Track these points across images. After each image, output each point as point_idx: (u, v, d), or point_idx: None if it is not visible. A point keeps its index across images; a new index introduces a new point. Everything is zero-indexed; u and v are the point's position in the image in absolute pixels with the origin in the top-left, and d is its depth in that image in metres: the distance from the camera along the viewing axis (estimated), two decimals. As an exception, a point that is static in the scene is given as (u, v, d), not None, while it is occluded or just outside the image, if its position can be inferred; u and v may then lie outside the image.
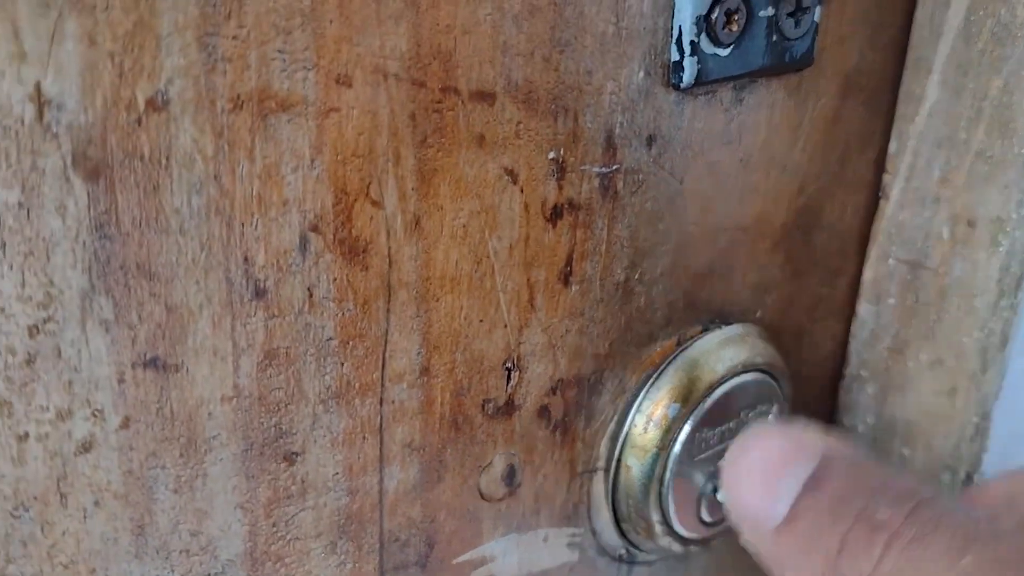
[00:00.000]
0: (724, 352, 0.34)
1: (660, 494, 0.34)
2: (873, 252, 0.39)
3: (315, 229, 0.25)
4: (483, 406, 0.31)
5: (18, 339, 0.22)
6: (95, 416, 0.24)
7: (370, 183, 0.26)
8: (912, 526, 0.23)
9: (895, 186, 0.37)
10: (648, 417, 0.33)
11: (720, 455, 0.35)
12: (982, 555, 0.22)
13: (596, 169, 0.30)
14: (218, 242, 0.24)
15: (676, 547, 0.35)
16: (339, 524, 0.29)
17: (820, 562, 0.24)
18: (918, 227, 0.37)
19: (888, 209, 0.38)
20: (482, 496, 0.32)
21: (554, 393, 0.32)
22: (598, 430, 0.34)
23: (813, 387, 0.40)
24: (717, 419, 0.34)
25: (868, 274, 0.39)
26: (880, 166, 0.38)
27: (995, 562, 0.22)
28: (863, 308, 0.39)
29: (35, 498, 0.23)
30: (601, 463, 0.34)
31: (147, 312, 0.23)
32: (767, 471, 0.25)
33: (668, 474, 0.33)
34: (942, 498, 0.23)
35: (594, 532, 0.35)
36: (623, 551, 0.36)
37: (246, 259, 0.24)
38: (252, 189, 0.24)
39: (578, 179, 0.29)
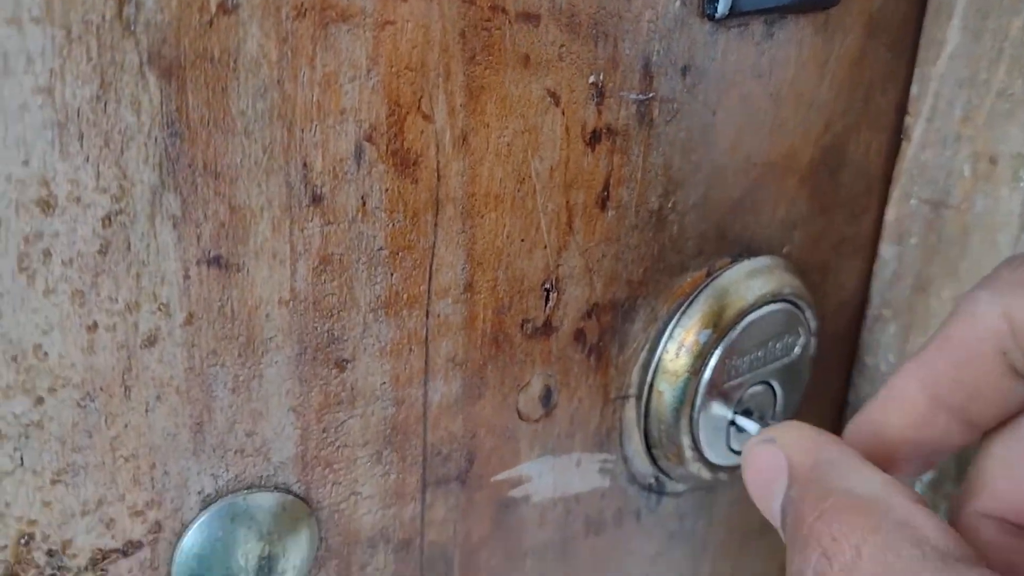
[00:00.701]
0: (753, 282, 0.35)
1: (691, 419, 0.35)
2: (895, 193, 0.40)
3: (369, 139, 0.26)
4: (522, 325, 0.32)
5: (92, 229, 0.23)
6: (161, 310, 0.25)
7: (421, 97, 0.27)
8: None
9: (917, 127, 0.38)
10: (680, 343, 0.34)
11: (749, 383, 0.36)
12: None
13: (633, 96, 0.31)
14: (279, 146, 0.25)
15: (705, 473, 0.36)
16: (385, 434, 0.30)
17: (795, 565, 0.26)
18: (940, 166, 0.38)
19: (910, 150, 0.39)
20: (520, 416, 0.33)
21: (589, 317, 0.33)
22: (631, 357, 0.35)
23: (837, 325, 0.41)
24: (746, 347, 0.35)
25: (891, 214, 0.40)
26: (902, 109, 0.39)
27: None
28: (885, 248, 0.40)
29: (101, 389, 0.25)
30: (633, 390, 0.35)
31: (212, 211, 0.24)
32: (762, 479, 0.29)
33: (699, 399, 0.34)
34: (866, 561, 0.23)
35: (625, 459, 0.36)
36: (653, 479, 0.37)
37: (305, 164, 0.25)
38: (312, 96, 0.25)
39: (616, 105, 0.30)
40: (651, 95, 0.31)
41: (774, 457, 0.28)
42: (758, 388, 0.36)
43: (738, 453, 0.36)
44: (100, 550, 0.26)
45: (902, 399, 0.29)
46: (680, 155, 0.33)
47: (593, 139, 0.30)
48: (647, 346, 0.35)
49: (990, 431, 0.29)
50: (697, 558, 0.41)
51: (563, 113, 0.29)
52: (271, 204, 0.25)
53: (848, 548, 0.23)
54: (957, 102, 0.37)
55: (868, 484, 0.25)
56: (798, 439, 0.28)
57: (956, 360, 0.28)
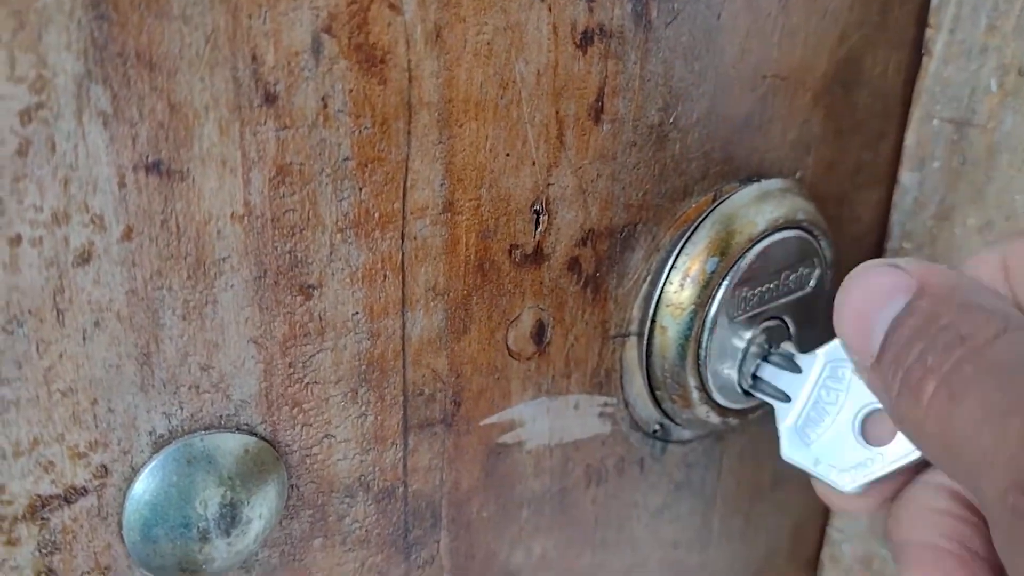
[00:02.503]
0: (764, 205, 0.32)
1: (698, 356, 0.32)
2: (916, 113, 0.36)
3: (328, 31, 0.23)
4: (510, 252, 0.29)
5: (8, 126, 0.20)
6: (94, 223, 0.22)
7: (388, -17, 0.24)
8: (956, 377, 0.22)
9: (938, 40, 0.35)
10: (684, 273, 0.31)
11: (760, 318, 0.33)
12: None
13: (628, -8, 0.28)
14: (223, 35, 0.22)
15: (714, 418, 0.33)
16: (360, 370, 0.27)
17: (888, 403, 0.24)
18: (964, 82, 0.35)
19: (931, 65, 0.36)
20: (510, 353, 0.30)
21: (584, 244, 0.30)
22: (631, 290, 0.32)
23: (853, 260, 0.38)
24: (757, 277, 0.32)
25: (910, 137, 0.37)
26: (922, 22, 0.36)
27: None
28: (905, 175, 0.37)
29: (30, 312, 0.22)
30: (634, 326, 0.32)
31: (148, 108, 0.22)
32: (866, 306, 0.25)
33: (706, 334, 0.31)
34: (1007, 339, 0.22)
35: (627, 403, 0.33)
36: (657, 425, 0.34)
37: (254, 57, 0.22)
38: (260, -23, 0.22)
39: (610, 2, 0.27)
40: (648, -7, 0.28)
41: (899, 277, 0.25)
42: (770, 323, 0.33)
43: (749, 394, 0.33)
44: (39, 496, 0.23)
45: None
46: (682, 63, 0.30)
47: (584, 40, 0.27)
48: (649, 278, 0.32)
49: None
50: (706, 512, 0.38)
51: (550, 9, 0.26)
52: (217, 103, 0.22)
53: (987, 333, 0.22)
54: (982, 9, 0.34)
55: (1014, 310, 0.24)
56: (928, 267, 0.25)
57: None
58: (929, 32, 0.36)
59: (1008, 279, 0.25)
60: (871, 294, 0.25)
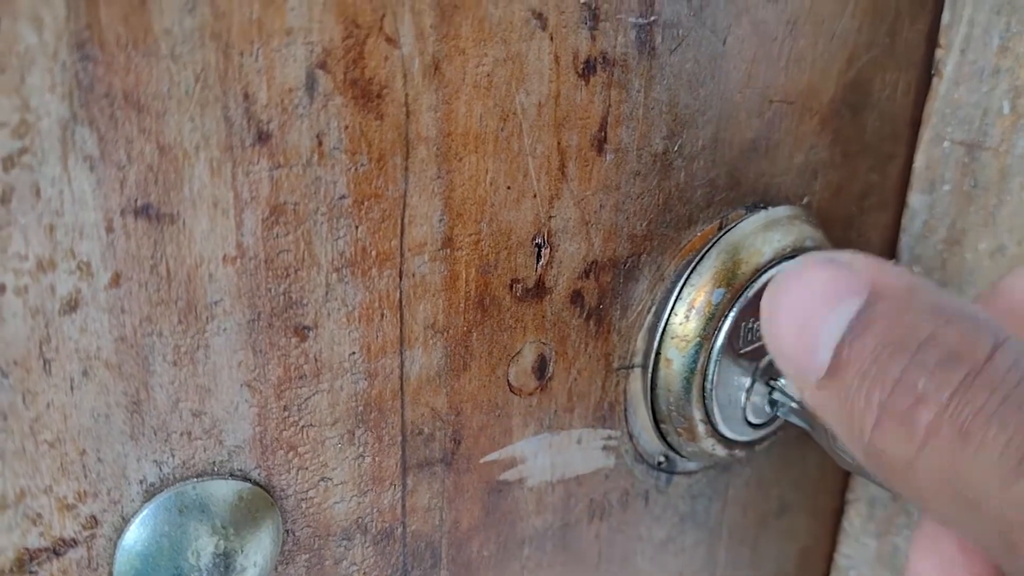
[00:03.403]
0: (771, 234, 0.31)
1: (703, 388, 0.31)
2: (926, 135, 0.36)
3: (323, 66, 0.22)
4: (511, 286, 0.28)
5: (-10, 172, 0.19)
6: (81, 270, 0.21)
7: (384, 16, 0.23)
8: (962, 407, 0.18)
9: (949, 61, 0.35)
10: (690, 305, 0.31)
11: (765, 349, 0.32)
12: None
13: (632, 19, 0.27)
14: (214, 73, 0.21)
15: (719, 451, 0.33)
16: (357, 411, 0.26)
17: (857, 433, 0.20)
18: (975, 104, 0.34)
19: (942, 87, 0.35)
20: (511, 389, 0.29)
21: (587, 276, 0.29)
22: (635, 322, 0.31)
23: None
24: (764, 308, 0.31)
25: (920, 160, 0.36)
26: (932, 41, 0.35)
27: None
28: (915, 198, 0.36)
29: (15, 362, 0.21)
30: (638, 359, 0.32)
31: (137, 150, 0.21)
32: (808, 311, 0.20)
33: (712, 366, 0.31)
34: (1005, 355, 0.18)
35: (631, 435, 0.33)
36: (662, 458, 0.34)
37: (246, 95, 0.22)
38: (251, 13, 0.21)
39: (613, 29, 0.27)
40: (652, 18, 0.27)
41: (845, 273, 0.20)
42: (778, 353, 0.32)
43: (755, 427, 0.33)
44: (27, 550, 0.23)
45: None
46: (687, 90, 0.29)
47: (587, 70, 0.27)
48: (653, 309, 0.31)
49: None
50: (711, 543, 0.37)
51: (551, 38, 0.26)
52: (208, 143, 0.22)
53: (983, 343, 0.18)
54: (994, 30, 0.33)
55: (969, 305, 0.20)
56: (878, 264, 0.20)
57: (1002, 313, 0.23)
58: (939, 52, 0.35)
59: None
60: (812, 295, 0.20)
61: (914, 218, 0.37)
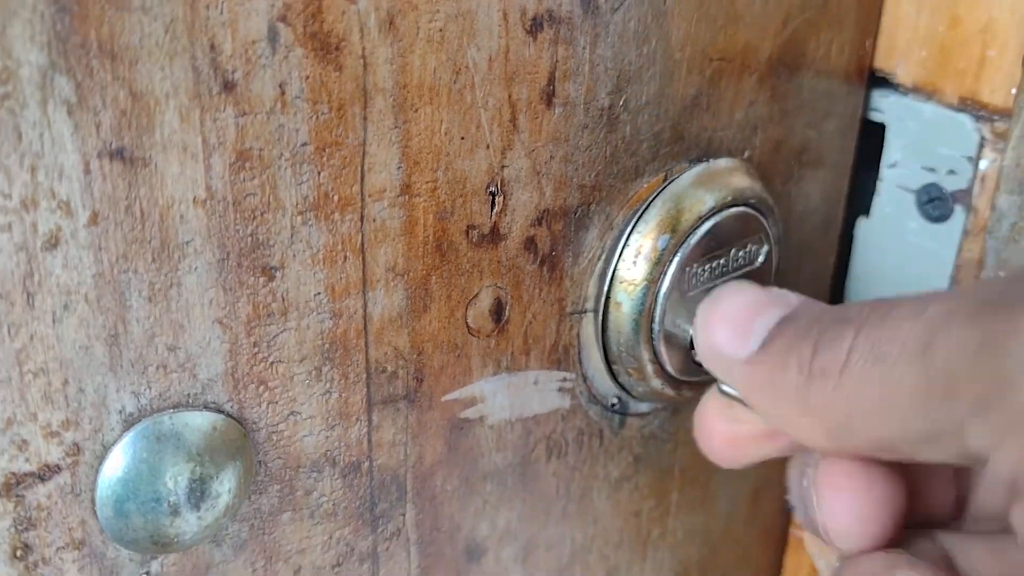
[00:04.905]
0: (712, 184, 0.33)
1: (651, 330, 0.33)
2: (1015, 131, 0.35)
3: (284, 19, 0.24)
4: (468, 232, 0.30)
5: (-25, 115, 0.21)
6: (61, 208, 0.23)
7: (341, -27, 0.24)
8: (877, 310, 0.24)
9: None
10: (637, 251, 0.33)
11: (708, 292, 0.34)
12: (942, 304, 0.23)
13: (576, -20, 0.29)
14: (182, 24, 0.23)
15: (668, 390, 0.35)
16: (323, 349, 0.28)
17: (794, 371, 0.25)
18: None
19: None
20: (470, 330, 0.31)
21: (540, 224, 0.31)
22: (586, 268, 0.33)
23: (805, 235, 0.40)
24: (706, 253, 0.33)
25: (1010, 157, 0.35)
26: (865, 5, 0.37)
27: (954, 302, 0.23)
28: (1002, 199, 0.33)
29: (1, 296, 0.22)
30: (590, 304, 0.34)
31: (111, 97, 0.22)
32: (739, 316, 0.27)
33: (658, 309, 0.33)
34: (902, 308, 0.23)
35: (585, 378, 0.35)
36: (615, 399, 0.36)
37: (212, 47, 0.23)
38: (217, -31, 0.23)
39: (557, -11, 0.28)
40: (595, -20, 0.29)
41: (773, 294, 0.27)
42: (721, 298, 0.34)
43: (701, 367, 0.35)
44: (14, 474, 0.24)
45: None
46: (631, 47, 0.31)
47: (534, 26, 0.28)
48: (603, 256, 0.33)
49: None
50: (665, 483, 0.39)
51: (499, -3, 0.27)
52: (177, 91, 0.23)
53: (885, 307, 0.24)
54: None
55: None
56: (803, 297, 0.27)
57: None
58: None
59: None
60: (745, 305, 0.27)
61: (1001, 220, 0.36)
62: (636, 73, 0.31)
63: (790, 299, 0.27)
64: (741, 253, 0.34)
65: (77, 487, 0.25)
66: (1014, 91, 0.35)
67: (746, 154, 0.36)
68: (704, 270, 0.34)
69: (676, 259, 0.33)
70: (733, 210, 0.34)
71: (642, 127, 0.32)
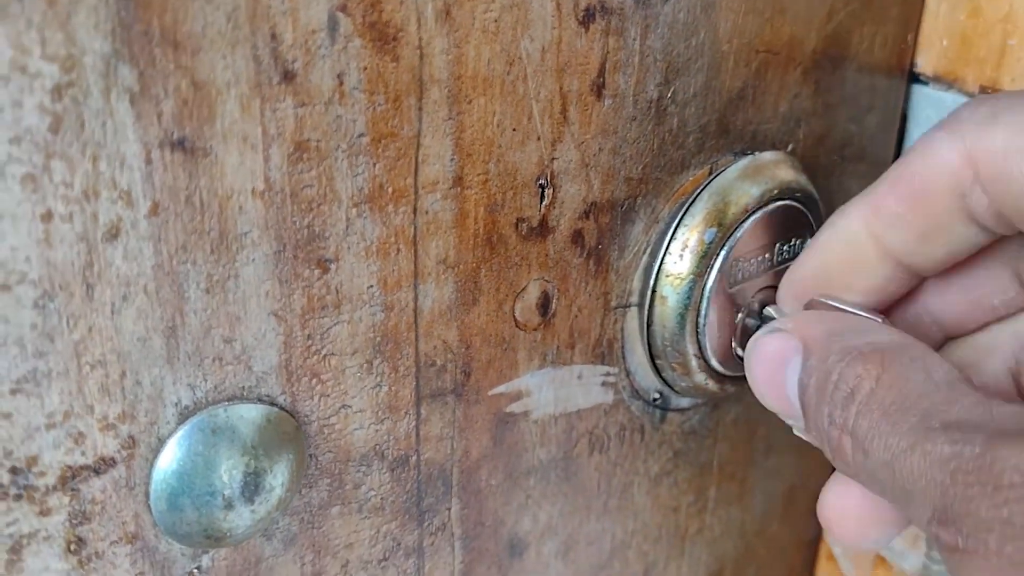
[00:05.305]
0: (759, 177, 0.33)
1: (696, 324, 0.33)
2: None
3: (343, 9, 0.24)
4: (517, 225, 0.29)
5: (39, 102, 0.21)
6: (122, 199, 0.22)
7: (400, -38, 0.24)
8: (857, 428, 0.24)
9: None
10: (683, 244, 0.32)
11: (756, 287, 0.34)
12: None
13: (628, -30, 0.28)
14: (244, 13, 0.22)
15: (712, 385, 0.34)
16: (375, 342, 0.28)
17: (823, 435, 0.26)
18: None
19: None
20: (517, 324, 0.31)
21: (587, 217, 0.31)
22: (631, 262, 0.33)
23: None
24: (753, 247, 0.33)
25: None
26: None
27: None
28: None
29: (60, 287, 0.22)
30: (635, 298, 0.33)
31: (173, 86, 0.22)
32: (771, 379, 0.27)
33: (704, 302, 0.32)
34: (883, 383, 0.24)
35: (628, 372, 0.34)
36: (657, 394, 0.36)
37: (273, 36, 0.23)
38: (279, -43, 0.23)
39: (610, -20, 0.28)
40: (646, -29, 0.29)
41: (784, 340, 0.27)
42: (767, 293, 0.34)
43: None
44: (69, 467, 0.24)
45: (845, 239, 0.28)
46: (680, 39, 0.31)
47: (587, 17, 0.28)
48: (648, 250, 0.33)
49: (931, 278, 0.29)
50: (704, 479, 0.39)
51: (553, -13, 0.27)
52: (238, 80, 0.23)
53: (869, 380, 0.24)
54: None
55: (885, 334, 0.26)
56: (805, 320, 0.28)
57: (908, 199, 0.27)
58: None
59: (979, 179, 0.25)
60: (770, 364, 0.27)
61: None
62: (684, 65, 0.31)
63: (795, 339, 0.27)
64: (787, 247, 0.34)
65: (132, 480, 0.25)
66: (1035, 79, 0.35)
67: (790, 147, 0.36)
68: (750, 264, 0.33)
69: (723, 252, 0.32)
70: (779, 203, 0.33)
71: (689, 119, 0.32)
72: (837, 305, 0.29)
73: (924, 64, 0.38)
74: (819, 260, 0.29)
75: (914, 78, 0.38)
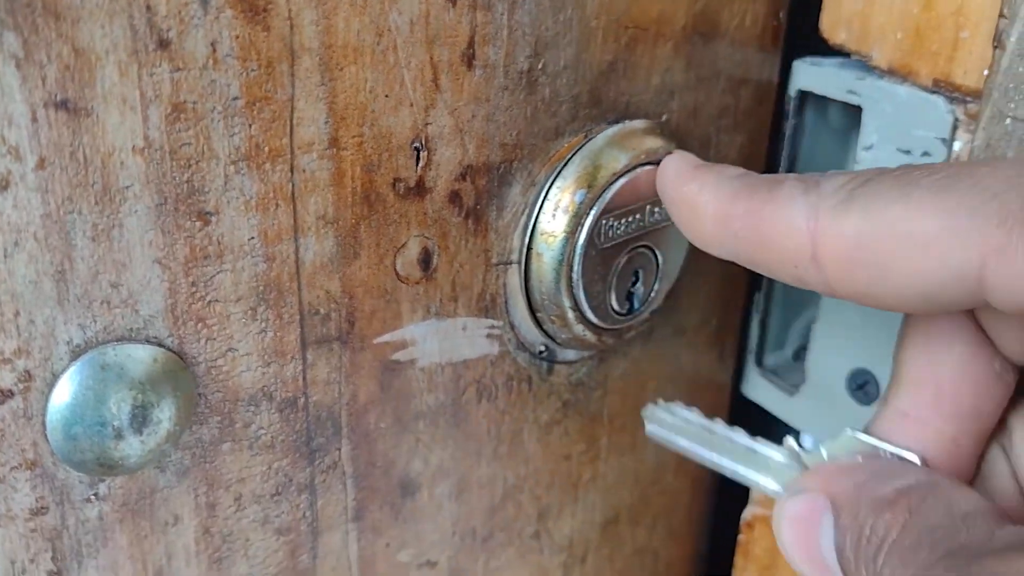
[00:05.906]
0: (628, 142, 0.36)
1: (570, 279, 0.36)
2: (986, 112, 0.35)
3: (215, -16, 0.26)
4: (394, 185, 0.32)
5: (-72, 65, 0.23)
6: (11, 153, 0.25)
7: (267, -58, 0.27)
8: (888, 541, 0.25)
9: (1013, 32, 0.33)
10: (556, 204, 0.35)
11: (627, 246, 0.37)
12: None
13: (492, -49, 0.31)
14: (119, -13, 0.25)
15: (590, 336, 0.37)
16: (258, 290, 0.30)
17: None
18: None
19: (1004, 60, 0.34)
20: (399, 277, 0.34)
21: (464, 179, 0.34)
22: (510, 222, 0.36)
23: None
24: (622, 209, 0.36)
25: (980, 138, 0.35)
26: (778, -21, 0.40)
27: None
28: None
29: (-44, 232, 0.25)
30: (515, 255, 0.36)
31: (55, 52, 0.25)
32: (809, 549, 0.27)
33: (577, 259, 0.35)
34: (908, 532, 0.25)
35: (512, 325, 0.37)
36: (542, 347, 0.38)
37: (148, 7, 0.26)
38: (150, -64, 0.25)
39: (474, -40, 0.31)
40: (510, -48, 0.32)
41: (812, 501, 0.28)
42: (638, 251, 0.37)
43: (620, 315, 0.37)
44: (-31, 399, 0.27)
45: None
46: (548, 14, 0.33)
47: (452, -6, 0.31)
48: (526, 211, 0.36)
49: None
50: (595, 428, 0.42)
51: (418, -34, 0.30)
52: (116, 47, 0.26)
53: (896, 528, 0.25)
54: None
55: (912, 475, 0.27)
56: (829, 475, 0.28)
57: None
58: (1003, 23, 0.33)
59: (983, 285, 0.24)
60: (800, 527, 0.28)
61: None
62: (553, 39, 0.34)
63: (822, 497, 0.27)
64: (657, 209, 0.37)
65: (29, 411, 0.28)
66: (986, 72, 0.35)
67: (664, 118, 0.39)
68: (620, 224, 0.36)
69: (592, 212, 0.35)
70: (648, 168, 0.36)
71: (561, 90, 0.35)
72: (870, 441, 0.29)
73: (878, 57, 0.38)
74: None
75: (869, 71, 0.38)
